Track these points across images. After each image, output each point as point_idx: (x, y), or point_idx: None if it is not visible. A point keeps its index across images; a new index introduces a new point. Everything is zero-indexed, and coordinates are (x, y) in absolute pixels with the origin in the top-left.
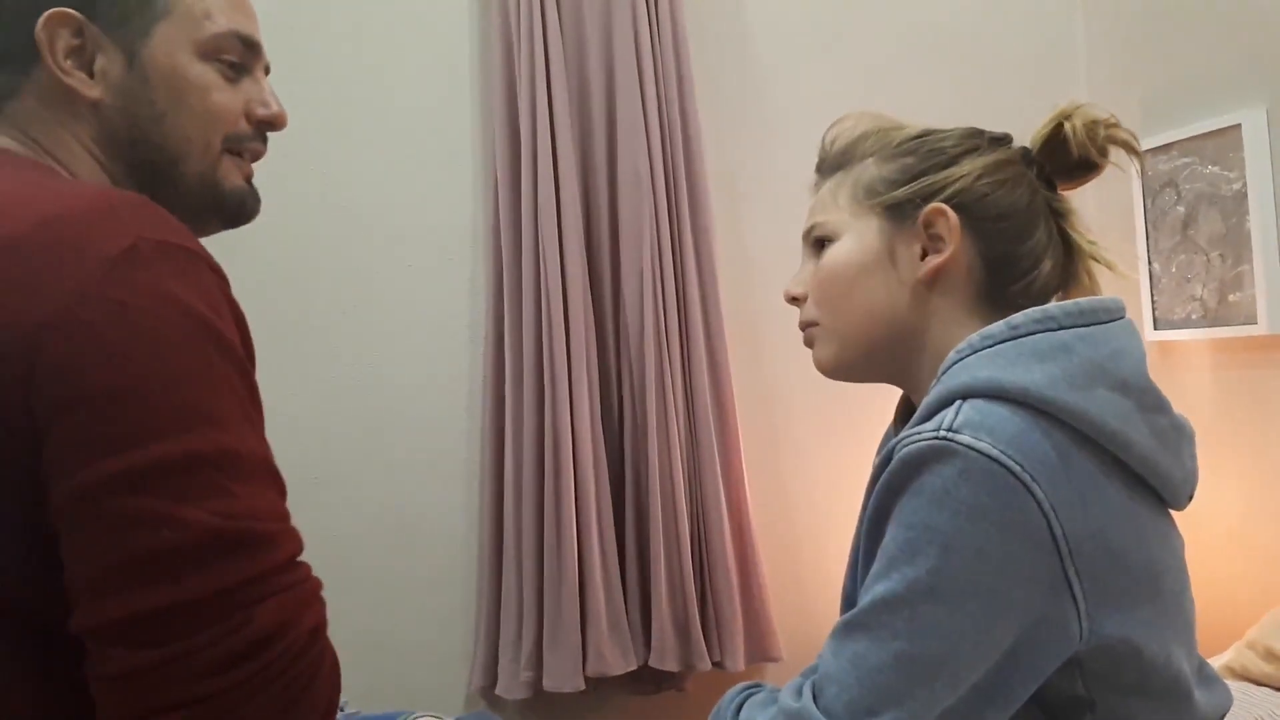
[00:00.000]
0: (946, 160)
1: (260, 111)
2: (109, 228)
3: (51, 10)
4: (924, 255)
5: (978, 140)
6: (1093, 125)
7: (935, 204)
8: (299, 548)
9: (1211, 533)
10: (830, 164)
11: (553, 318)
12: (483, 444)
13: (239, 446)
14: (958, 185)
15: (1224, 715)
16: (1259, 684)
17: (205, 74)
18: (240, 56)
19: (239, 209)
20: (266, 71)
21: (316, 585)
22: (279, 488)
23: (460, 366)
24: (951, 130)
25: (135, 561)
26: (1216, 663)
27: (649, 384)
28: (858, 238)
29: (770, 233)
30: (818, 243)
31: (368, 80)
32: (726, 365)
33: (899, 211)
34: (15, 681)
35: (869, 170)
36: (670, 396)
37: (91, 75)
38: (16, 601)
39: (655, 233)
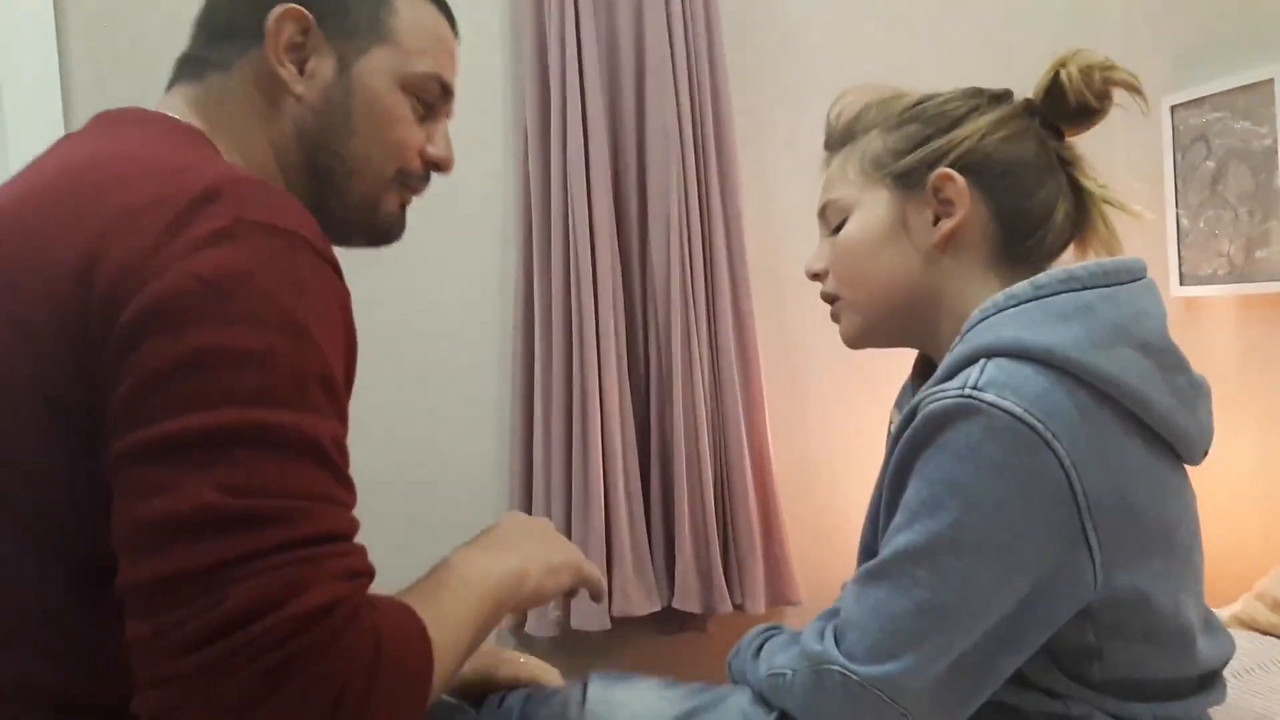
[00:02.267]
0: (949, 124)
1: (432, 152)
2: (215, 207)
3: (290, 5)
4: (936, 221)
5: (978, 100)
6: (1088, 70)
7: (942, 169)
8: (336, 527)
9: (1227, 486)
10: (836, 139)
11: (580, 269)
12: (513, 392)
13: (276, 424)
14: (963, 147)
15: (1226, 662)
16: (1265, 633)
17: (401, 106)
18: (434, 99)
19: (386, 232)
20: (449, 116)
21: (346, 565)
22: (328, 468)
23: (490, 316)
24: (951, 93)
25: (136, 529)
26: (1226, 613)
27: (675, 334)
28: (870, 210)
29: (796, 186)
30: (832, 219)
31: None
32: (750, 316)
33: (907, 180)
34: (84, 625)
35: (874, 142)
36: (695, 346)
37: (302, 73)
38: (85, 545)
39: (683, 185)
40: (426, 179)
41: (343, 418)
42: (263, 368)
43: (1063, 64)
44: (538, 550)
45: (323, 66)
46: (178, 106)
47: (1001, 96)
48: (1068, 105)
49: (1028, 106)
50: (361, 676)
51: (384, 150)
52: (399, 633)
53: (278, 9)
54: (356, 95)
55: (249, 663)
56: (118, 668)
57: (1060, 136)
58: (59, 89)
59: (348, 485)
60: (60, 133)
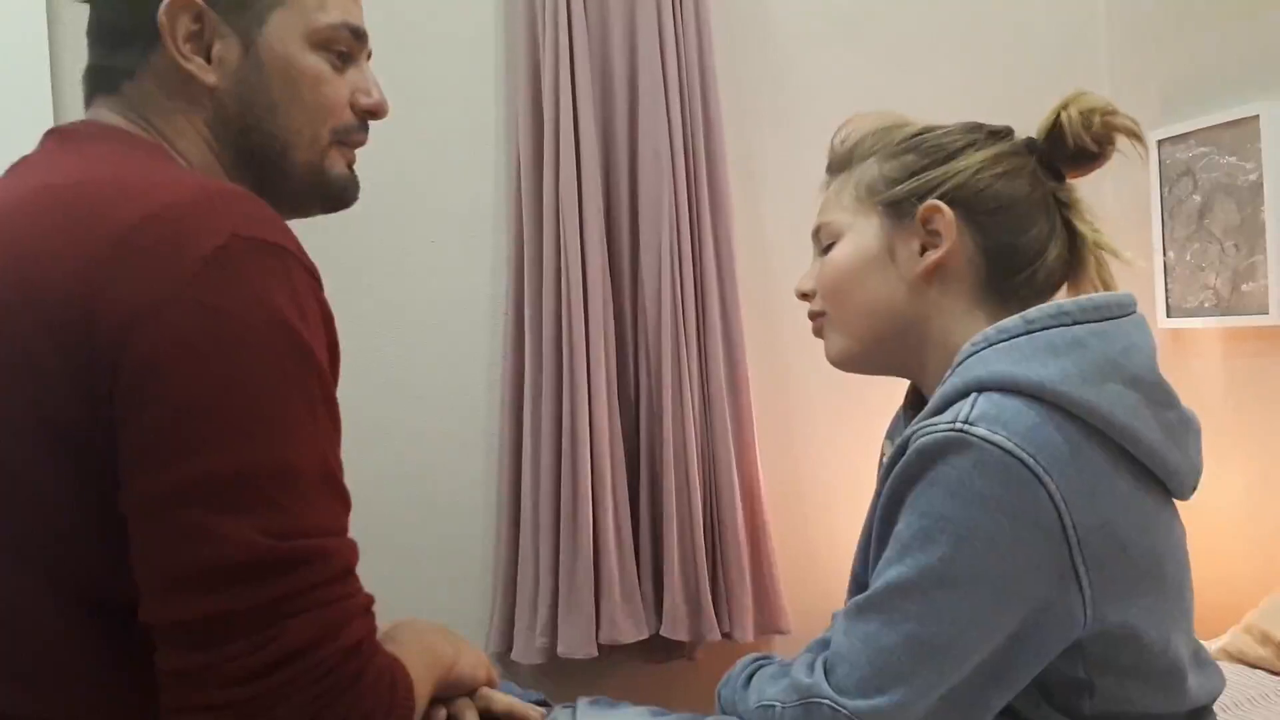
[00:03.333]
0: (944, 156)
1: (363, 101)
2: (206, 224)
3: None
4: (923, 251)
5: (976, 135)
6: (1088, 113)
7: (931, 200)
8: (351, 560)
9: (1215, 518)
10: (837, 163)
11: (572, 294)
12: (502, 417)
13: (299, 459)
14: (955, 180)
15: (1216, 698)
16: (1254, 667)
17: (316, 65)
18: (348, 46)
19: (340, 195)
20: (369, 57)
21: (364, 601)
22: (340, 498)
23: (480, 341)
24: (951, 126)
25: (183, 572)
26: (1214, 645)
27: (665, 361)
28: (859, 236)
29: (787, 215)
30: (824, 242)
31: (391, 56)
32: (742, 344)
33: (898, 209)
34: (92, 656)
35: (871, 169)
36: (686, 373)
37: (209, 61)
38: (93, 578)
39: (674, 213)
40: (364, 129)
41: (339, 429)
42: (277, 398)
43: (1065, 106)
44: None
45: (228, 49)
46: (111, 117)
47: (1001, 133)
48: (1066, 147)
49: (1028, 145)
50: (384, 705)
51: (311, 114)
52: (399, 668)
53: (164, 3)
54: (268, 68)
55: (306, 689)
56: (118, 698)
57: (1060, 178)
58: (49, 94)
59: (348, 505)
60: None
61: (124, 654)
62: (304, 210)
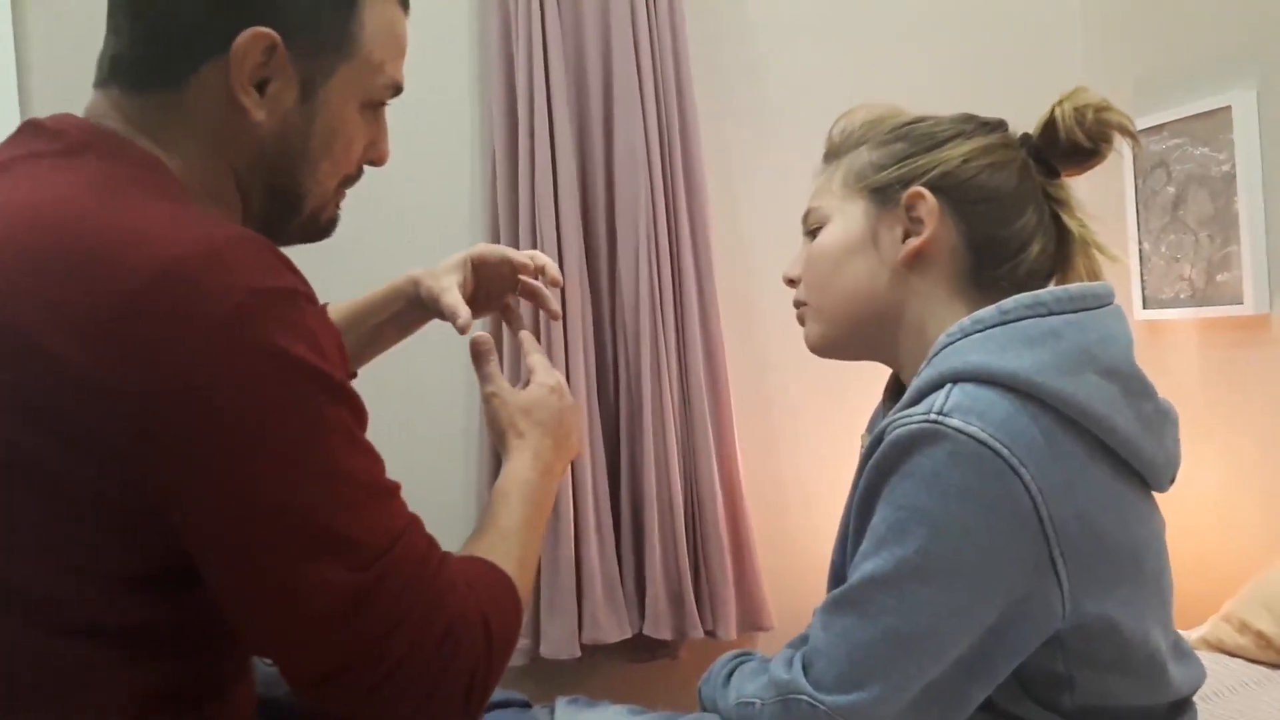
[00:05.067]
0: (932, 144)
1: (371, 154)
2: (218, 282)
3: (259, 29)
4: (905, 237)
5: (967, 125)
6: (1082, 109)
7: (915, 187)
8: (419, 545)
9: (1192, 509)
10: (832, 152)
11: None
12: (480, 418)
13: (354, 488)
14: (941, 169)
15: (1197, 689)
16: (1233, 655)
17: (358, 125)
18: (386, 100)
19: (323, 233)
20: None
21: (445, 579)
22: (390, 495)
23: (459, 341)
24: (944, 117)
25: (278, 625)
26: (1193, 635)
27: (644, 358)
28: (845, 221)
29: (765, 210)
30: (812, 228)
31: None
32: (720, 340)
33: (883, 195)
34: (94, 686)
35: (860, 156)
36: (665, 371)
37: (262, 94)
38: (80, 611)
39: (651, 209)
40: (360, 174)
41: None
42: (319, 442)
43: (1060, 102)
44: (559, 445)
45: (285, 91)
46: (116, 121)
47: (994, 125)
48: (1059, 142)
49: (1023, 140)
50: (483, 660)
51: (335, 168)
52: (496, 606)
53: (249, 31)
54: (319, 122)
55: (410, 688)
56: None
57: (1055, 174)
58: (15, 84)
59: (397, 493)
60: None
61: (127, 680)
62: (284, 241)
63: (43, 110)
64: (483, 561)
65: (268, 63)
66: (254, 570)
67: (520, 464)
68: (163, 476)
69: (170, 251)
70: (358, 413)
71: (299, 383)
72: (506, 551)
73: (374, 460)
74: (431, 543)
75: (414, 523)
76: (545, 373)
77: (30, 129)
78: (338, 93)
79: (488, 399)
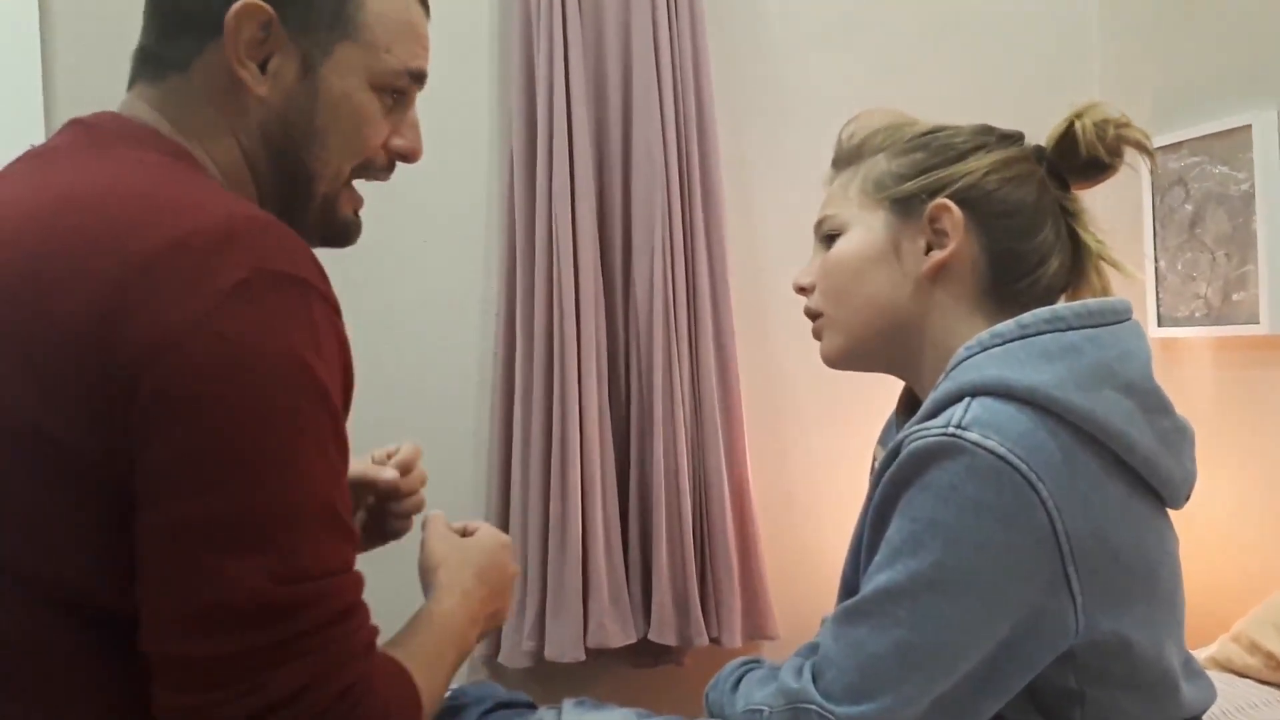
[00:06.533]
0: (954, 156)
1: (398, 143)
2: (230, 255)
3: (250, 1)
4: (928, 250)
5: (987, 137)
6: (1102, 124)
7: (940, 199)
8: (352, 598)
9: (1204, 527)
10: (844, 158)
11: (564, 296)
12: (492, 418)
13: (307, 500)
14: (964, 181)
15: (1208, 709)
16: (1242, 675)
17: (368, 105)
18: (405, 88)
19: (341, 236)
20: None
21: (364, 638)
22: (346, 535)
23: (472, 342)
24: (963, 127)
25: (186, 610)
26: (1203, 654)
27: (656, 362)
28: (864, 231)
29: (780, 216)
30: (827, 235)
31: None
32: (733, 346)
33: (905, 206)
34: (92, 672)
35: (879, 165)
36: (676, 375)
37: (264, 71)
38: (88, 594)
39: (667, 213)
40: (390, 169)
41: (347, 462)
42: (288, 439)
43: (1079, 115)
44: (492, 596)
45: (286, 66)
46: (144, 111)
47: (1012, 137)
48: (1078, 157)
49: (1037, 152)
50: None
51: (345, 149)
52: (400, 699)
53: (237, 4)
54: (322, 98)
55: None
56: (118, 711)
57: (1066, 187)
58: (40, 85)
59: (354, 541)
60: (40, 130)
61: (126, 669)
62: (307, 240)
63: (68, 113)
64: (400, 663)
65: (267, 39)
66: (178, 547)
67: (450, 602)
68: (137, 431)
69: (189, 224)
70: (337, 429)
71: (285, 374)
72: (418, 669)
73: (335, 482)
74: (362, 607)
75: (353, 575)
76: (493, 530)
77: (71, 126)
78: (339, 70)
79: (429, 521)
